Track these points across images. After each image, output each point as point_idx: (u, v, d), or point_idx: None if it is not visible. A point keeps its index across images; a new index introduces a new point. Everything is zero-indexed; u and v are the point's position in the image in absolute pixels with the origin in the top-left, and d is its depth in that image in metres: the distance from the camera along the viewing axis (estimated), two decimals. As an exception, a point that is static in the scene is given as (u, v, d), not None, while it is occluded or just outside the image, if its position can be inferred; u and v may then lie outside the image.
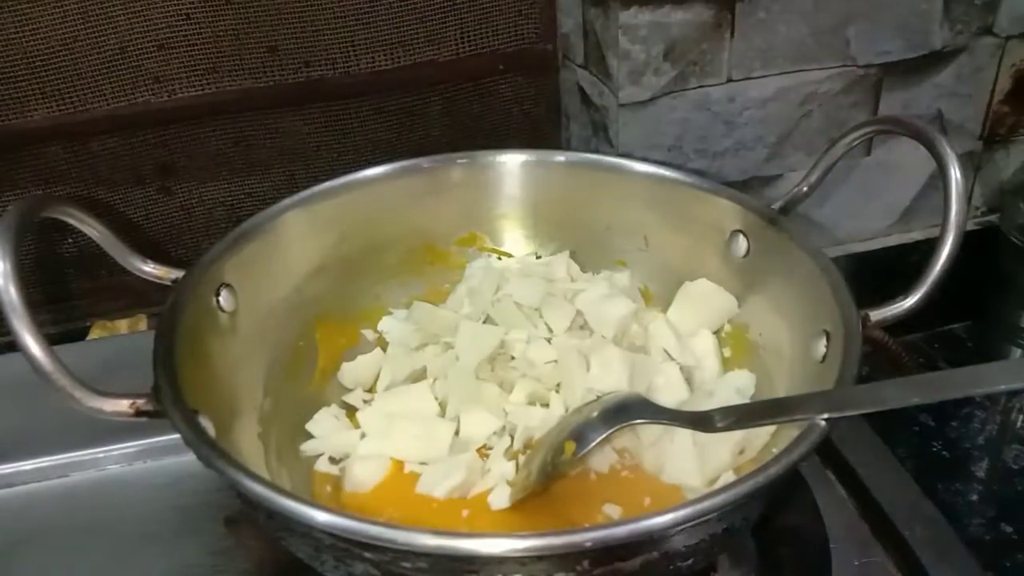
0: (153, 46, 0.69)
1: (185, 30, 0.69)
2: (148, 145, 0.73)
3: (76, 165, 0.73)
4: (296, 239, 0.60)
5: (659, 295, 0.64)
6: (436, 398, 0.56)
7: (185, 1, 0.68)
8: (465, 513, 0.50)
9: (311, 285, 0.61)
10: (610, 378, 0.55)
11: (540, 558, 0.37)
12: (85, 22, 0.67)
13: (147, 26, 0.68)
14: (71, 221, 0.47)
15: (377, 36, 0.73)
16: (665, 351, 0.59)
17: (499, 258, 0.67)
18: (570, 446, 0.50)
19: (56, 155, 0.72)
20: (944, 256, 0.48)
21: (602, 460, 0.53)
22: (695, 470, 0.50)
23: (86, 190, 0.74)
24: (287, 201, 0.59)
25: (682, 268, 0.62)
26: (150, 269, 0.53)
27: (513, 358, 0.58)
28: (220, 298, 0.53)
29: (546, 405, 0.56)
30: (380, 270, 0.64)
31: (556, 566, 0.37)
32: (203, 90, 0.72)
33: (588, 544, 0.36)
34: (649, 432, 0.53)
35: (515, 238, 0.67)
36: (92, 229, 0.50)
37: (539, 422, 0.54)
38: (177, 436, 0.42)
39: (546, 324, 0.60)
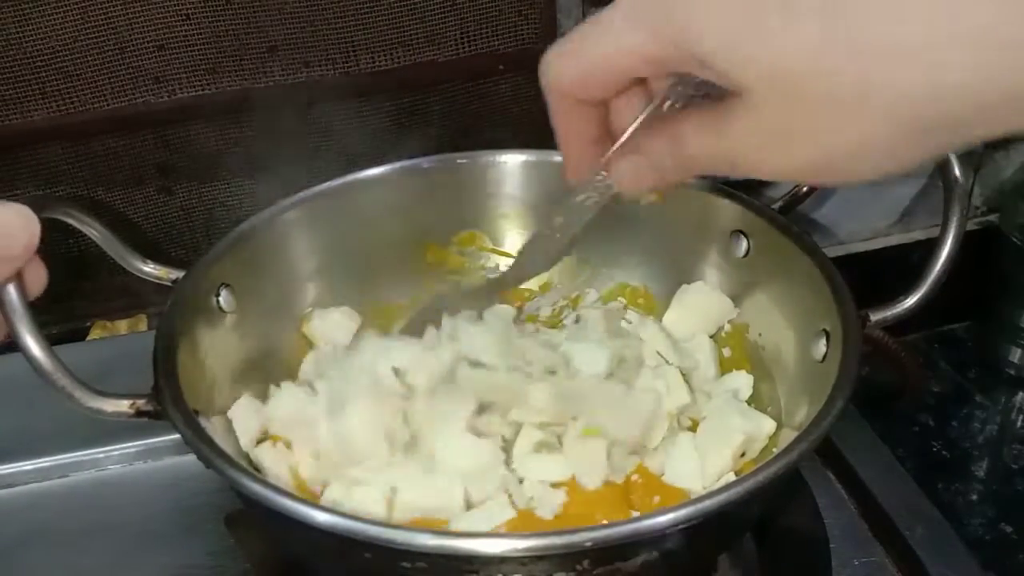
0: (153, 46, 0.69)
1: (185, 30, 0.69)
2: (148, 145, 0.73)
3: (76, 165, 0.73)
4: (296, 239, 0.60)
5: (659, 295, 0.64)
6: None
7: (185, 1, 0.68)
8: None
9: (311, 285, 0.61)
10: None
11: (540, 558, 0.37)
12: (85, 22, 0.67)
13: (147, 26, 0.68)
14: (71, 222, 0.47)
15: (377, 36, 0.73)
16: (659, 353, 0.58)
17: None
18: None
19: (56, 155, 0.72)
20: (944, 256, 0.48)
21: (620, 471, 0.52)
22: (695, 473, 0.50)
23: (86, 190, 0.74)
24: (287, 201, 0.59)
25: (682, 268, 0.62)
26: (150, 269, 0.52)
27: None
28: (220, 298, 0.53)
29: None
30: (380, 270, 0.64)
31: (556, 566, 0.37)
32: (203, 90, 0.72)
33: (588, 544, 0.36)
34: (654, 437, 0.53)
35: (515, 238, 0.67)
36: (92, 230, 0.50)
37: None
38: (177, 436, 0.42)
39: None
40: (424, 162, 0.64)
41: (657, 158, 0.36)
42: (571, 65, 0.35)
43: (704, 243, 0.61)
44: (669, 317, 0.61)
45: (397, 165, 0.63)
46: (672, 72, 0.34)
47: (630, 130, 0.38)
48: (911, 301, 0.49)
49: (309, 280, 0.61)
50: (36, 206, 0.40)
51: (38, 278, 0.38)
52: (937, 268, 0.48)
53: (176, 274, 0.52)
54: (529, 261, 0.51)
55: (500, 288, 0.58)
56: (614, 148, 0.38)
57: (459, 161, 0.64)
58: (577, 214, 0.45)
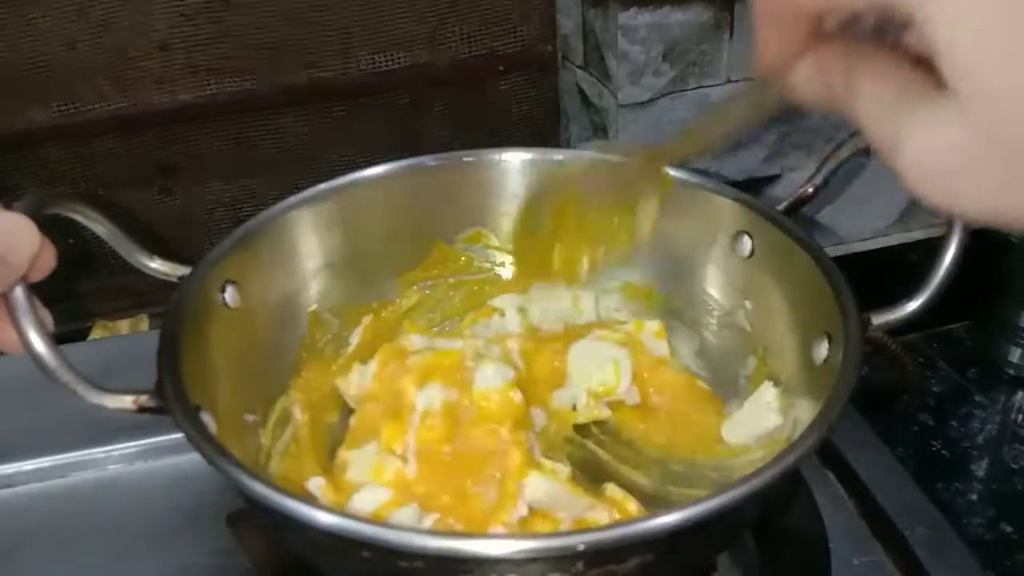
0: (154, 47, 0.70)
1: (186, 31, 0.69)
2: (149, 146, 0.73)
3: (77, 165, 0.73)
4: (302, 236, 0.60)
5: (663, 295, 0.64)
6: None
7: (185, 2, 0.68)
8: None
9: (316, 282, 0.61)
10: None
11: (534, 560, 0.37)
12: (86, 23, 0.67)
13: (147, 27, 0.69)
14: (78, 218, 0.47)
15: (377, 36, 0.73)
16: None
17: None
18: None
19: (57, 156, 0.72)
20: (948, 259, 0.47)
21: None
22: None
23: (87, 190, 0.74)
24: (293, 199, 0.59)
25: (686, 268, 0.62)
26: (156, 266, 0.52)
27: None
28: (225, 295, 0.53)
29: None
30: (385, 268, 0.65)
31: (551, 567, 0.37)
32: (204, 91, 0.72)
33: (581, 547, 0.36)
34: None
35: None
36: (99, 226, 0.49)
37: None
38: (178, 436, 0.42)
39: None
40: (429, 160, 0.64)
41: (833, 84, 0.30)
42: None
43: (709, 243, 0.61)
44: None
45: (403, 163, 0.63)
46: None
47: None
48: (914, 305, 0.48)
49: (314, 277, 0.61)
50: (42, 203, 0.41)
51: (46, 261, 0.39)
52: (941, 271, 0.48)
53: (182, 271, 0.52)
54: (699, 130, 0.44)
55: (664, 158, 0.50)
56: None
57: (465, 159, 0.64)
58: (759, 106, 0.39)
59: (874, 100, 0.27)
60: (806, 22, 0.29)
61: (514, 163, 0.64)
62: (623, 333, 0.61)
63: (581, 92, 0.77)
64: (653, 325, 0.62)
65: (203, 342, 0.50)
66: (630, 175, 0.50)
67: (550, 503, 0.49)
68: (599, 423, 0.58)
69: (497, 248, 0.67)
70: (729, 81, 0.71)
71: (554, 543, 0.36)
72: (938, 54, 0.24)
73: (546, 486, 0.49)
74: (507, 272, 0.67)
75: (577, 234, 0.54)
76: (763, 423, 0.53)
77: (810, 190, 0.58)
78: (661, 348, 0.61)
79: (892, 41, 0.28)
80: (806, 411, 0.49)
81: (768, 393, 0.54)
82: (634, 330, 0.61)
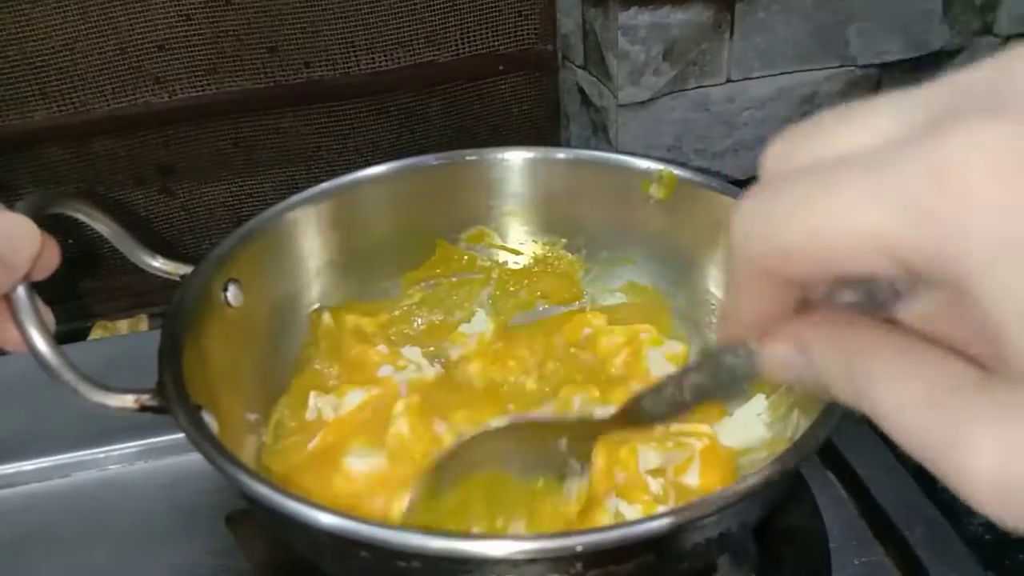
0: (153, 47, 0.70)
1: (185, 31, 0.69)
2: (149, 146, 0.73)
3: (77, 166, 0.73)
4: (304, 235, 0.60)
5: (665, 294, 0.64)
6: None
7: (185, 2, 0.68)
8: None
9: (318, 281, 0.61)
10: None
11: (533, 561, 0.37)
12: (85, 23, 0.67)
13: (147, 27, 0.69)
14: (81, 217, 0.47)
15: (377, 36, 0.73)
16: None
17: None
18: None
19: (57, 156, 0.72)
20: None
21: None
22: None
23: (87, 191, 0.74)
24: (296, 198, 0.59)
25: (688, 267, 0.62)
26: (159, 265, 0.52)
27: None
28: (228, 293, 0.53)
29: None
30: (387, 267, 0.65)
31: (550, 568, 0.37)
32: (203, 91, 0.72)
33: (580, 548, 0.36)
34: None
35: (522, 235, 0.67)
36: (102, 225, 0.49)
37: None
38: (178, 436, 0.42)
39: None
40: (432, 159, 0.64)
41: (824, 367, 0.25)
42: (774, 231, 0.21)
43: (711, 242, 0.61)
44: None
45: (405, 162, 0.63)
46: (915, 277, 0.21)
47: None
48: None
49: (316, 276, 0.61)
50: (44, 202, 0.41)
51: (49, 260, 0.39)
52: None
53: (185, 270, 0.52)
54: (643, 410, 0.38)
55: (598, 432, 0.45)
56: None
57: (467, 158, 0.64)
58: (719, 378, 0.32)
59: (906, 395, 0.21)
60: (796, 287, 0.23)
61: (516, 162, 0.64)
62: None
63: (581, 92, 0.77)
64: (675, 346, 0.61)
65: (205, 341, 0.50)
66: (559, 445, 0.44)
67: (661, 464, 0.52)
68: None
69: (500, 247, 0.67)
70: (729, 80, 0.71)
71: (553, 544, 0.36)
72: (1003, 336, 0.18)
73: (653, 455, 0.52)
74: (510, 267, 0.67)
75: (488, 506, 0.45)
76: (751, 434, 0.53)
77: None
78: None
79: (885, 315, 0.23)
80: (807, 411, 0.49)
81: (758, 405, 0.54)
82: (639, 340, 0.61)
